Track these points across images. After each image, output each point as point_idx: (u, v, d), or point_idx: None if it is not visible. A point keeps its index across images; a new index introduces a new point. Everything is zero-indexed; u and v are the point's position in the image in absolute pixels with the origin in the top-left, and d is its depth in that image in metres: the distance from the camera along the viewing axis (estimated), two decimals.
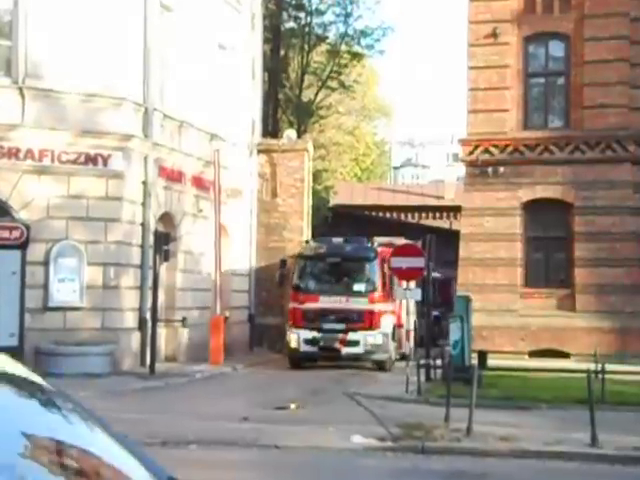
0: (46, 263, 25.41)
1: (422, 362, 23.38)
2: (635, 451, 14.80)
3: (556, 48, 32.79)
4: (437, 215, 48.95)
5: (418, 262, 25.38)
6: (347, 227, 36.47)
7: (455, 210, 42.05)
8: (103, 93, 26.34)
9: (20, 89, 25.49)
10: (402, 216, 49.65)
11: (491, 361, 22.86)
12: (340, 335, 29.79)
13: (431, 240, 26.67)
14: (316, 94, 53.64)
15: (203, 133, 31.68)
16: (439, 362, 23.60)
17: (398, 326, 31.84)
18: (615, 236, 30.77)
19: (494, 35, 32.14)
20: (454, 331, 23.10)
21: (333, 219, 45.08)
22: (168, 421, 18.43)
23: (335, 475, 14.37)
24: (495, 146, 32.06)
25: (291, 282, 32.26)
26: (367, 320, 29.98)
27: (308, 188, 39.65)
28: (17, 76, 25.60)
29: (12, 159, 25.30)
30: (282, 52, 49.95)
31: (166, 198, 29.17)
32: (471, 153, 32.34)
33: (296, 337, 29.99)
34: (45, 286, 25.38)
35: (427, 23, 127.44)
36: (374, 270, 30.54)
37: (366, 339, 29.64)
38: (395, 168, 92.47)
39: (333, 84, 54.05)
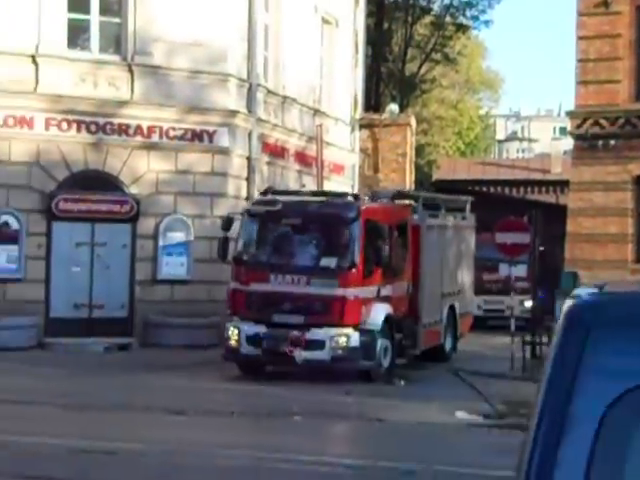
0: (155, 237, 26.18)
1: (528, 339, 23.55)
2: None
3: None
4: (543, 190, 48.34)
5: (523, 238, 24.90)
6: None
7: (562, 185, 41.61)
8: (209, 70, 26.95)
9: (129, 66, 26.23)
10: (506, 190, 49.35)
11: None
12: (295, 333, 20.90)
13: (537, 215, 26.42)
14: (419, 67, 53.90)
15: (306, 109, 32.13)
16: (545, 339, 22.94)
17: (403, 317, 22.41)
18: None
19: (605, 4, 31.99)
20: (559, 307, 22.81)
21: (437, 192, 45.16)
22: (273, 392, 19.09)
23: (438, 450, 14.55)
24: (606, 118, 31.83)
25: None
26: (336, 311, 21.05)
27: (410, 163, 39.86)
28: (126, 53, 26.34)
29: (122, 135, 26.09)
30: (385, 25, 50.20)
31: (269, 173, 29.71)
32: (580, 126, 32.16)
33: (236, 332, 21.49)
34: (154, 259, 26.20)
35: None
36: (353, 237, 21.27)
37: (335, 339, 20.87)
38: (499, 142, 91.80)
39: (437, 57, 54.24)
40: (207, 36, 26.54)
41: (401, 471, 12.84)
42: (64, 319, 24.99)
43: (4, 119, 24.95)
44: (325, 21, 33.73)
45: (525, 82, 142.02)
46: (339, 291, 20.73)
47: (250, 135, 28.15)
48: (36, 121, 25.31)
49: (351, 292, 20.72)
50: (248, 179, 28.06)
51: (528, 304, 27.40)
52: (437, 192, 37.38)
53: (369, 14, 41.59)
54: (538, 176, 50.41)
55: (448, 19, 53.10)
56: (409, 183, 38.99)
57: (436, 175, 50.80)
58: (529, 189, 49.29)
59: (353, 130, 36.82)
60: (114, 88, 26.10)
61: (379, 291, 21.20)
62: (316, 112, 32.67)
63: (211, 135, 27.06)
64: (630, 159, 31.53)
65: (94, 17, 26.34)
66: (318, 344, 20.69)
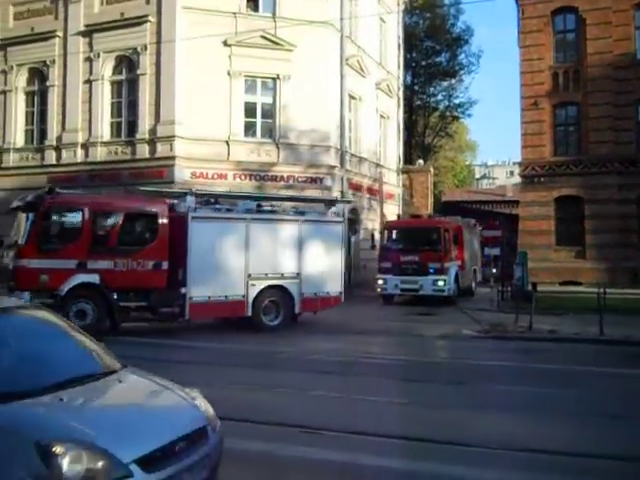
0: None
1: (499, 289, 22.98)
2: (625, 338, 14.45)
3: (572, 110, 31.71)
4: (502, 206, 47.68)
5: (497, 233, 24.94)
6: (452, 213, 35.65)
7: (513, 203, 41.18)
8: (319, 144, 26.57)
9: (276, 144, 26.01)
10: (482, 206, 48.62)
11: (539, 288, 22.43)
12: None
13: (503, 220, 26.06)
14: (432, 139, 53.27)
15: (372, 163, 31.79)
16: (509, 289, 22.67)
17: (143, 288, 14.81)
18: (607, 217, 29.76)
19: (535, 104, 31.32)
20: (517, 271, 22.41)
21: (443, 209, 44.83)
22: (349, 318, 18.68)
23: (456, 350, 14.10)
24: (538, 166, 31.35)
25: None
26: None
27: (431, 193, 39.43)
28: (275, 137, 26.09)
29: (273, 181, 25.86)
30: (413, 118, 49.73)
31: (353, 199, 29.37)
32: (524, 170, 31.69)
33: None
34: None
35: (502, 93, 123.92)
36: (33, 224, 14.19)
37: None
38: (477, 179, 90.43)
39: (442, 134, 53.62)
40: (318, 126, 26.25)
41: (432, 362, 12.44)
42: None
43: (212, 175, 24.94)
44: (381, 116, 33.32)
45: (490, 145, 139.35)
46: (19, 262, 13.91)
47: (342, 179, 27.67)
48: (228, 176, 25.24)
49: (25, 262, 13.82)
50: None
51: (495, 270, 27.02)
52: (444, 210, 37.12)
53: (405, 111, 41.25)
54: (499, 198, 49.69)
55: (448, 113, 52.46)
56: (430, 203, 38.59)
57: (443, 199, 50.29)
58: (495, 205, 48.58)
59: (398, 174, 36.22)
60: (268, 156, 25.99)
61: (81, 264, 14.13)
62: (377, 165, 32.34)
63: (321, 180, 26.68)
64: (552, 188, 31.14)
65: (258, 119, 26.13)
66: None
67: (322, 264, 16.98)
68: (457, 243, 23.64)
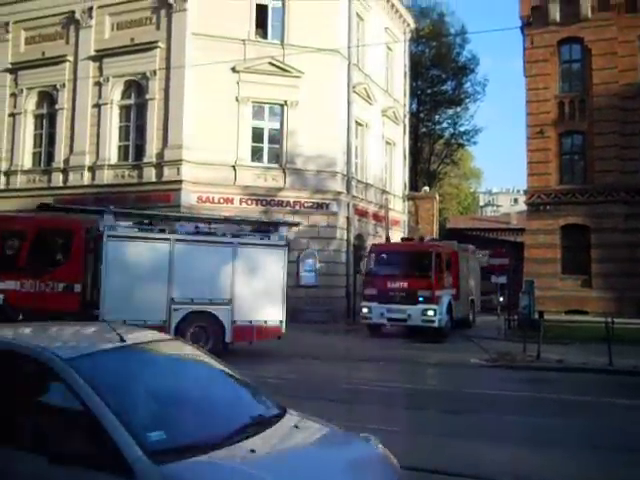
0: (297, 261, 25.43)
1: (506, 317, 22.70)
2: (634, 368, 14.31)
3: (578, 139, 31.78)
4: (507, 233, 47.56)
5: (505, 261, 24.27)
6: (457, 240, 35.43)
7: (518, 230, 41.10)
8: (325, 170, 26.70)
9: (283, 169, 26.14)
10: (487, 234, 48.53)
11: (545, 316, 22.26)
12: None
13: (509, 248, 25.74)
14: (437, 166, 53.43)
15: (378, 189, 31.87)
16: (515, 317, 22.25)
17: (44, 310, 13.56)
18: (613, 246, 29.66)
19: (541, 132, 31.42)
20: (524, 300, 22.03)
21: (448, 236, 44.71)
22: (363, 347, 18.60)
23: (464, 379, 13.99)
24: (544, 194, 31.33)
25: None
26: None
27: (436, 220, 39.41)
28: (281, 162, 26.23)
29: (279, 207, 25.95)
30: (419, 144, 49.91)
31: (359, 226, 29.36)
32: (530, 198, 31.66)
33: None
34: (297, 274, 25.42)
35: (508, 121, 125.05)
36: None
37: None
38: (481, 207, 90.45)
39: (447, 161, 53.78)
40: (325, 152, 26.42)
41: (438, 391, 12.29)
42: None
43: (218, 199, 25.04)
44: (387, 143, 33.49)
45: (495, 172, 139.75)
46: None
47: (348, 205, 27.74)
48: (235, 200, 25.34)
49: None
50: (347, 229, 27.79)
51: (502, 298, 26.59)
52: (448, 237, 36.07)
53: (411, 138, 41.39)
54: (504, 226, 49.65)
55: (453, 141, 52.65)
56: (435, 230, 38.55)
57: (448, 226, 50.23)
58: (499, 233, 48.49)
59: (404, 201, 36.26)
60: (275, 181, 26.09)
61: None
62: (383, 191, 32.43)
63: (327, 205, 26.77)
64: (558, 216, 31.05)
65: (265, 145, 26.29)
66: None
67: (259, 291, 15.38)
68: (451, 270, 21.40)
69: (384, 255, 21.27)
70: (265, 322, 15.51)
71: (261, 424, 3.89)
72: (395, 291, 19.91)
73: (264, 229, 16.70)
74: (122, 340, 4.09)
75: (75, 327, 5.09)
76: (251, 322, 15.31)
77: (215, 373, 4.41)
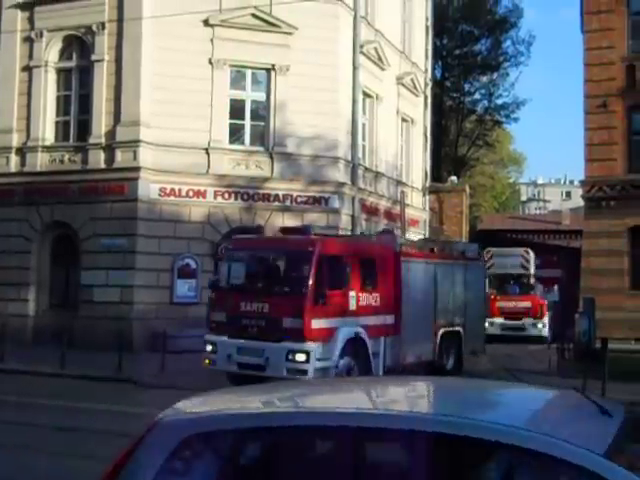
0: None
1: (557, 346, 22.69)
2: None
3: None
4: (556, 236, 47.80)
5: (556, 273, 24.07)
6: (490, 246, 35.12)
7: (572, 233, 41.27)
8: (324, 155, 26.71)
9: (270, 154, 26.15)
10: (531, 237, 48.78)
11: (610, 345, 22.24)
12: None
13: (563, 256, 25.67)
14: (467, 150, 53.70)
15: (391, 180, 31.95)
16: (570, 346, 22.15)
17: None
18: None
19: (604, 105, 31.56)
20: (582, 324, 22.10)
21: (479, 240, 44.83)
22: None
23: None
24: (607, 186, 31.43)
25: None
26: None
27: (466, 219, 39.54)
28: (268, 145, 26.25)
29: (265, 202, 25.95)
30: (443, 122, 50.09)
31: (367, 227, 29.31)
32: (589, 191, 31.77)
33: None
34: None
35: (559, 92, 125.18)
36: None
37: None
38: (523, 202, 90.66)
39: (479, 143, 53.99)
40: (323, 132, 26.41)
41: None
42: None
43: (186, 192, 25.04)
44: (404, 120, 33.58)
45: (540, 158, 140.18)
46: None
47: (353, 200, 27.75)
48: (207, 193, 25.35)
49: None
50: (352, 231, 27.76)
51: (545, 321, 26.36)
52: (478, 239, 35.61)
53: (433, 115, 41.43)
54: (552, 227, 49.86)
55: (487, 117, 52.86)
56: (465, 232, 38.70)
57: (480, 226, 50.40)
58: (546, 236, 48.70)
59: (424, 195, 36.39)
60: (260, 169, 26.11)
61: None
62: (398, 182, 32.53)
63: (326, 200, 26.79)
64: (625, 215, 31.07)
65: (247, 122, 26.35)
66: None
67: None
68: (383, 283, 17.13)
69: (242, 257, 16.79)
70: None
71: None
72: (250, 317, 15.53)
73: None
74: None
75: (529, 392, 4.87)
76: None
77: None
